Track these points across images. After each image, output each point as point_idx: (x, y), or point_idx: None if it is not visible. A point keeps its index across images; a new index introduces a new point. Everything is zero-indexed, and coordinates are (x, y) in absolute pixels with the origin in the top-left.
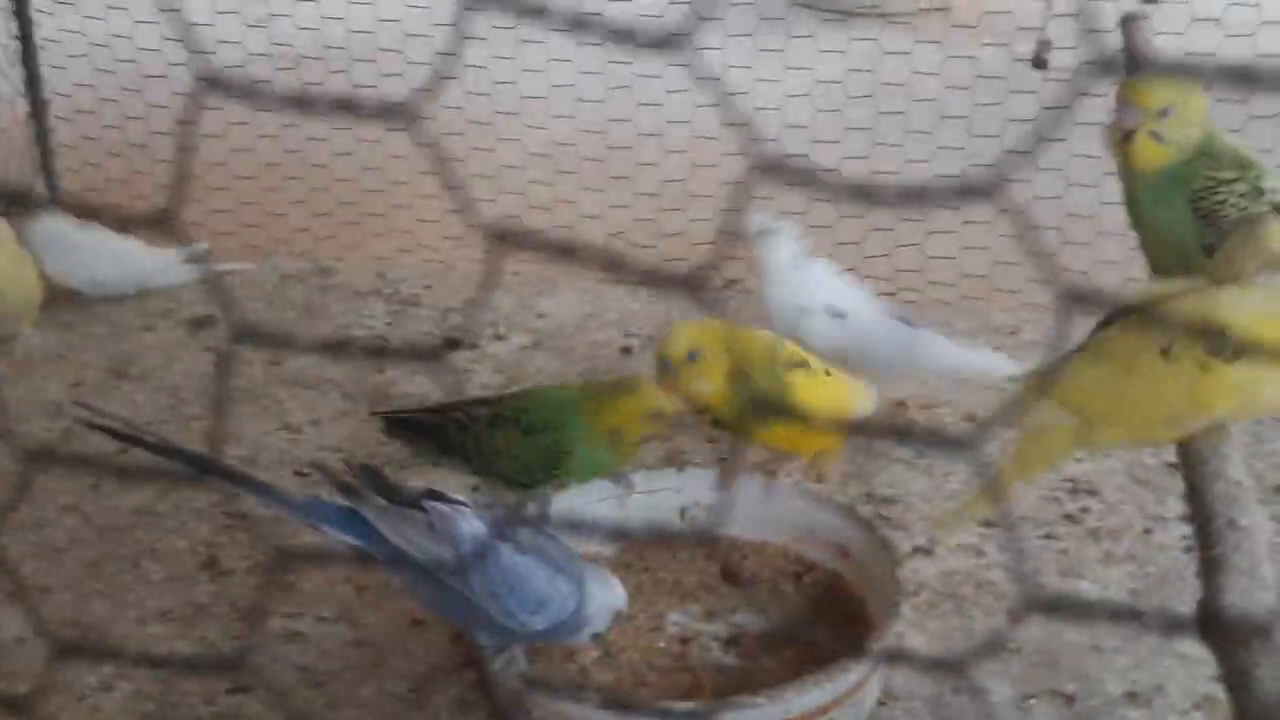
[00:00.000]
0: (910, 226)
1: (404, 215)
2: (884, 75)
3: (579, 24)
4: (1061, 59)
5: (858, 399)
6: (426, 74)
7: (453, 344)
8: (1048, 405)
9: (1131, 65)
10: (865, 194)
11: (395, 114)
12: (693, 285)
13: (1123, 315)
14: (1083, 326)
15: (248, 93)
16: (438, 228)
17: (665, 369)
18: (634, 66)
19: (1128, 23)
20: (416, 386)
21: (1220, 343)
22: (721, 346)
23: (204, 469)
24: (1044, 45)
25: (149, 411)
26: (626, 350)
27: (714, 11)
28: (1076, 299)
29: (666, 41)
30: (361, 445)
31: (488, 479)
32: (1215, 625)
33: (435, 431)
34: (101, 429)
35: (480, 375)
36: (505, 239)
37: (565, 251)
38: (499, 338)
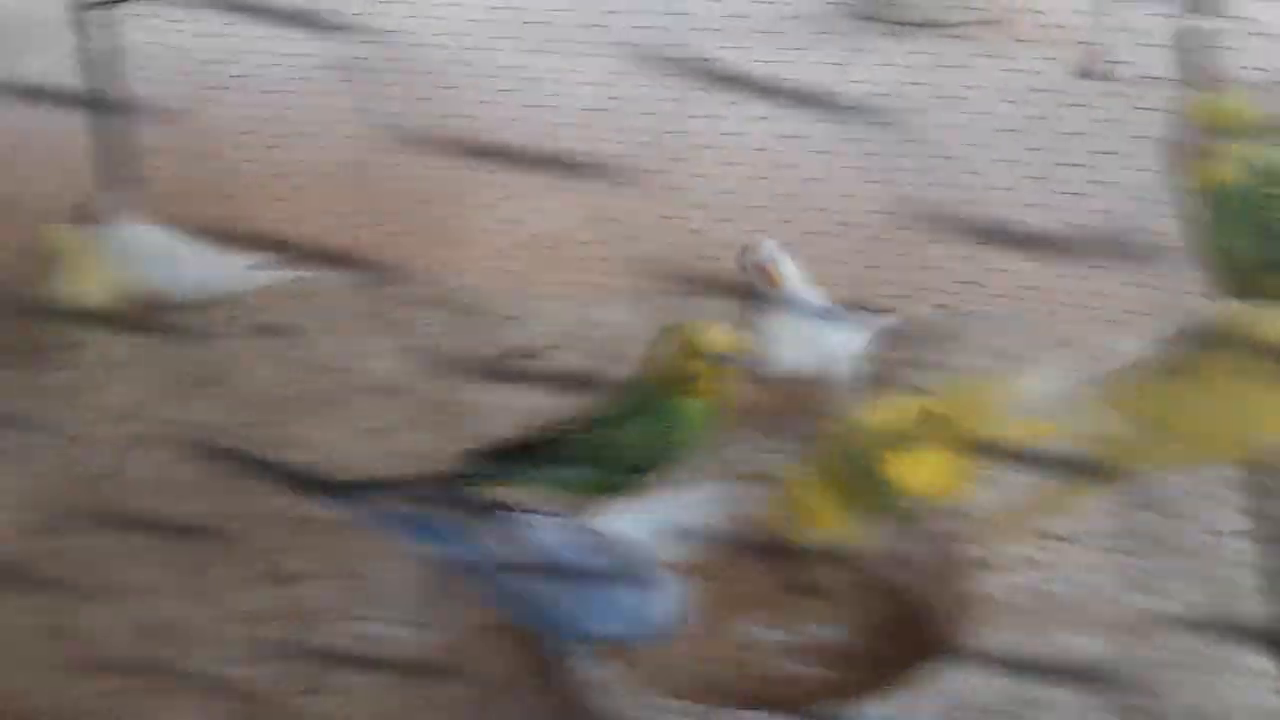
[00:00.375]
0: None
1: (462, 224)
2: (940, 87)
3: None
4: (1116, 71)
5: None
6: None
7: (515, 355)
8: (1117, 417)
9: (1191, 81)
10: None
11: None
12: None
13: (1197, 335)
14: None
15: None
16: (496, 238)
17: None
18: None
19: (1183, 36)
20: (487, 396)
21: None
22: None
23: (284, 478)
24: (1094, 56)
25: (221, 418)
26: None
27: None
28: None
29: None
30: (434, 452)
31: (608, 481)
32: None
33: (545, 450)
34: (219, 454)
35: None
36: None
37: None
38: (557, 349)
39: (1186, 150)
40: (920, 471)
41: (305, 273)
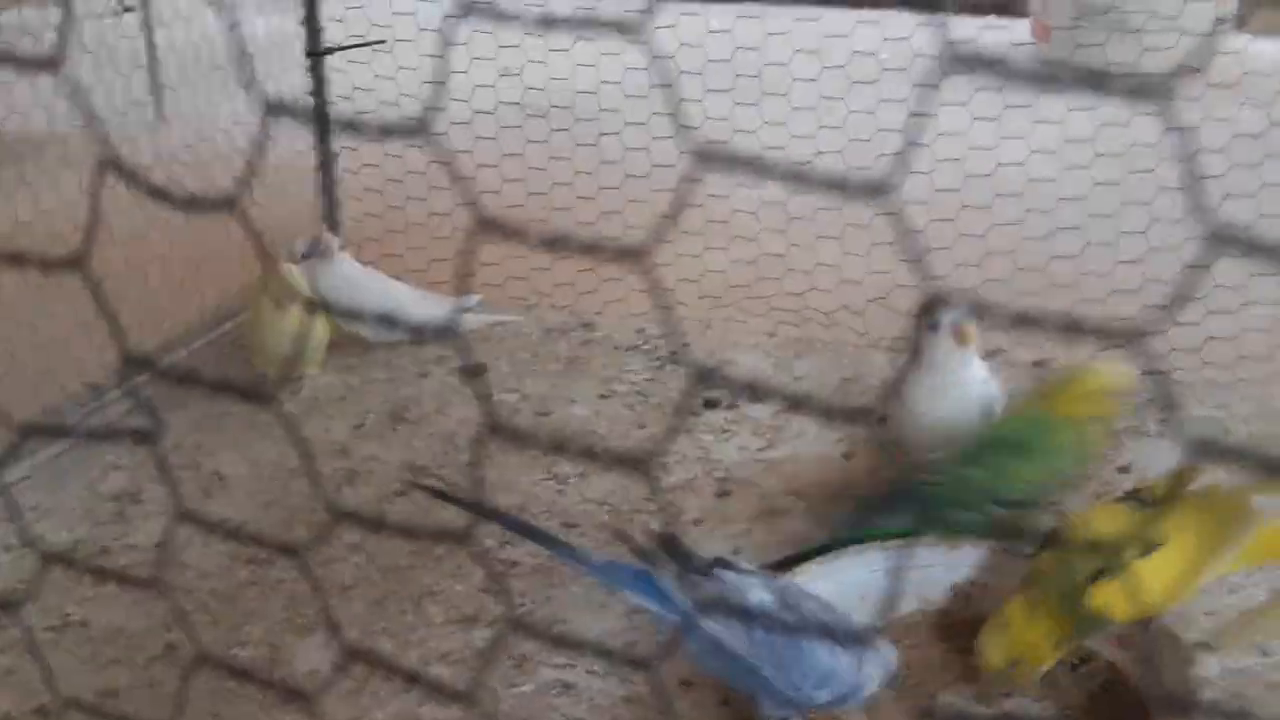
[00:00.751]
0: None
1: (664, 273)
2: (1134, 135)
3: None
4: None
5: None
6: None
7: (710, 404)
8: None
9: None
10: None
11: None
12: None
13: None
14: None
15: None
16: (696, 286)
17: None
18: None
19: None
20: (675, 444)
21: None
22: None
23: (521, 531)
24: None
25: (425, 456)
26: (883, 420)
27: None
28: None
29: None
30: (625, 499)
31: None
32: None
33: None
34: (430, 491)
35: (739, 437)
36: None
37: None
38: (756, 400)
39: None
40: (1147, 584)
41: (506, 317)
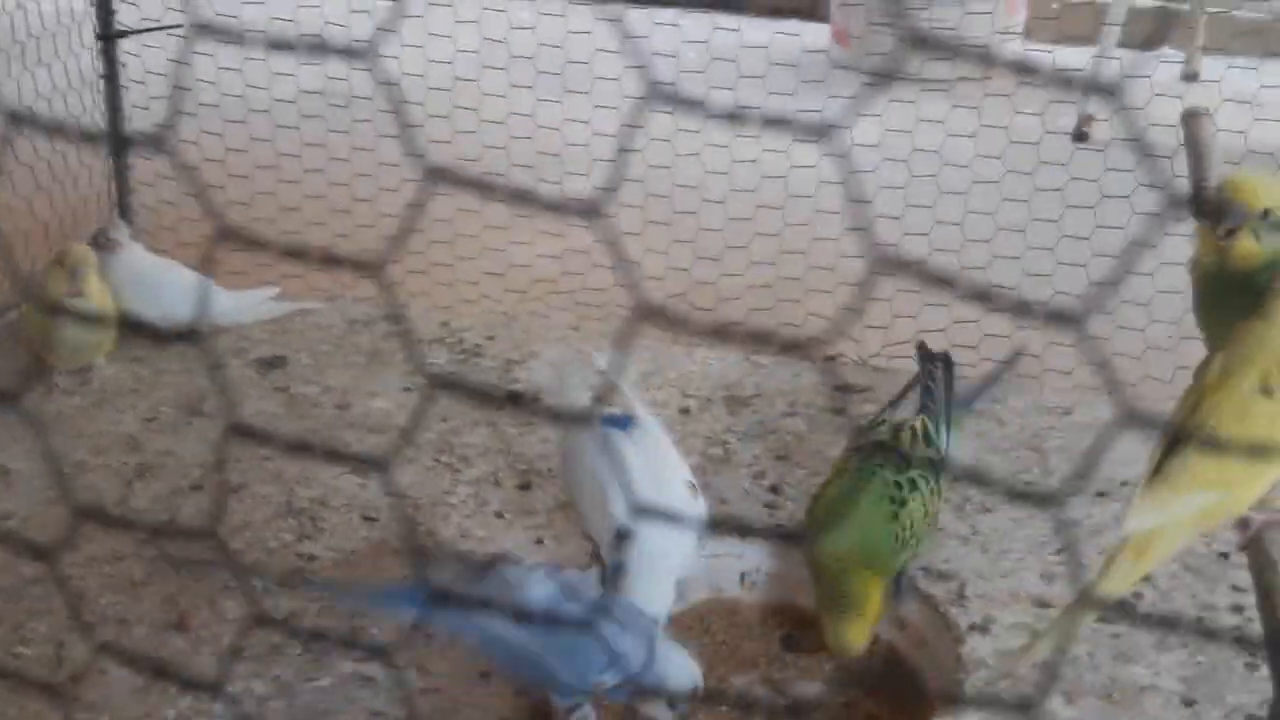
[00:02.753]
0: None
1: (469, 266)
2: (920, 141)
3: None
4: (1102, 131)
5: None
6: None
7: (515, 397)
8: (1178, 495)
9: (1194, 160)
10: (982, 296)
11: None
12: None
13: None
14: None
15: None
16: (502, 280)
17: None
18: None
19: (1190, 118)
20: (478, 437)
21: None
22: None
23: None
24: (1086, 119)
25: (220, 450)
26: (685, 411)
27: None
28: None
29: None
30: (426, 492)
31: None
32: None
33: None
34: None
35: (541, 430)
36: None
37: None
38: (557, 393)
39: (1228, 230)
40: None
41: (307, 306)
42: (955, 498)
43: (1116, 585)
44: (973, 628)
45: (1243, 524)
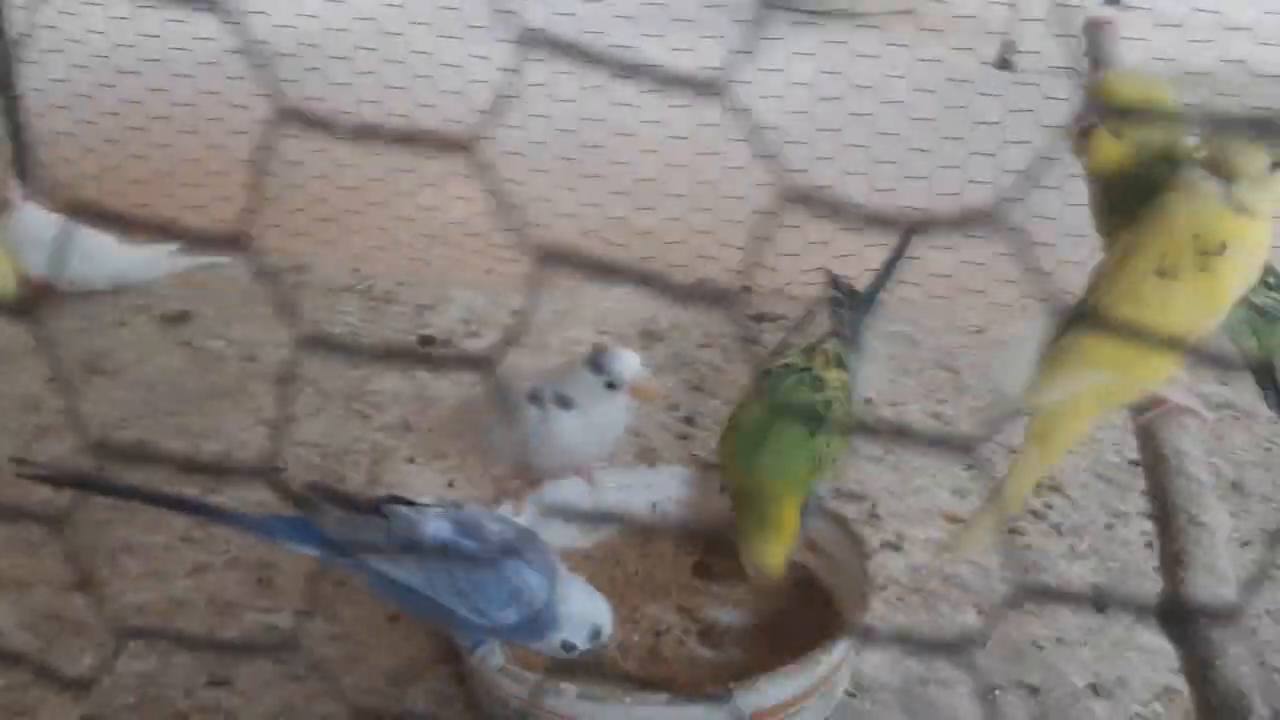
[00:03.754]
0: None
1: (379, 212)
2: (853, 78)
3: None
4: (1026, 61)
5: None
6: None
7: (427, 341)
8: (1072, 373)
9: (1093, 67)
10: (878, 220)
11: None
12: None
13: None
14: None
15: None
16: (412, 225)
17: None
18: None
19: (1091, 27)
20: (389, 382)
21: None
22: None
23: (158, 503)
24: (1008, 47)
25: (124, 408)
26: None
27: (684, 13)
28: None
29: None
30: (336, 440)
31: None
32: (1177, 618)
33: None
34: (47, 479)
35: (456, 373)
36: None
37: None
38: (472, 335)
39: (1083, 128)
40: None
41: (211, 261)
42: (869, 418)
43: (1025, 475)
44: (885, 545)
45: (1139, 411)
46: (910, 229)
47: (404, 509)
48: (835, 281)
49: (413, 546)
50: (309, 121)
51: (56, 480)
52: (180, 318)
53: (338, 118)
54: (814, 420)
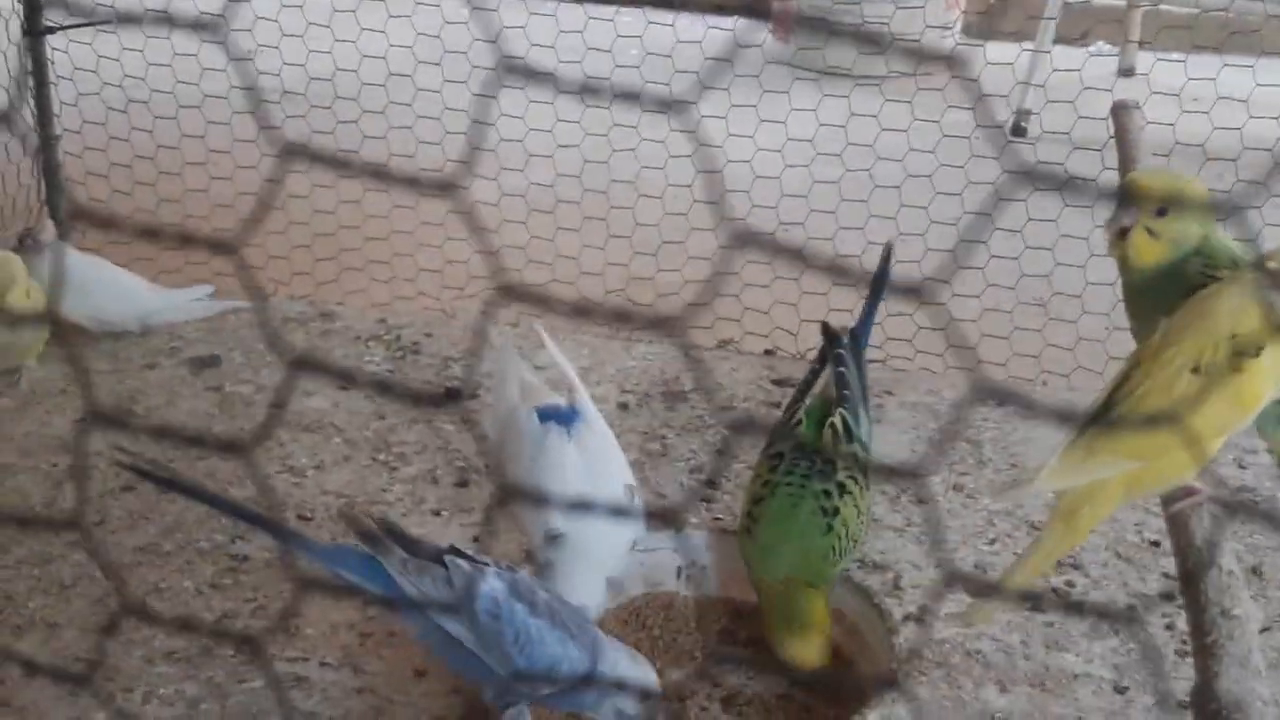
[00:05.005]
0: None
1: (406, 263)
2: (854, 135)
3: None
4: (1036, 126)
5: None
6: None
7: (453, 394)
8: (1100, 460)
9: (1123, 152)
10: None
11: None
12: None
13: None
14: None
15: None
16: (439, 276)
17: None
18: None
19: (1118, 111)
20: (415, 434)
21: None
22: None
23: (242, 516)
24: (1023, 114)
25: (153, 450)
26: (623, 406)
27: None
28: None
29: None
30: (363, 490)
31: None
32: (1210, 711)
33: None
34: (142, 473)
35: (479, 427)
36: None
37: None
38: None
39: (1121, 229)
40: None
41: (240, 305)
42: (890, 489)
43: (1046, 553)
44: (908, 618)
45: (1167, 502)
46: (888, 254)
47: (464, 562)
48: (830, 334)
49: (469, 600)
50: (310, 157)
51: (146, 473)
52: (209, 361)
53: (335, 155)
54: (830, 510)
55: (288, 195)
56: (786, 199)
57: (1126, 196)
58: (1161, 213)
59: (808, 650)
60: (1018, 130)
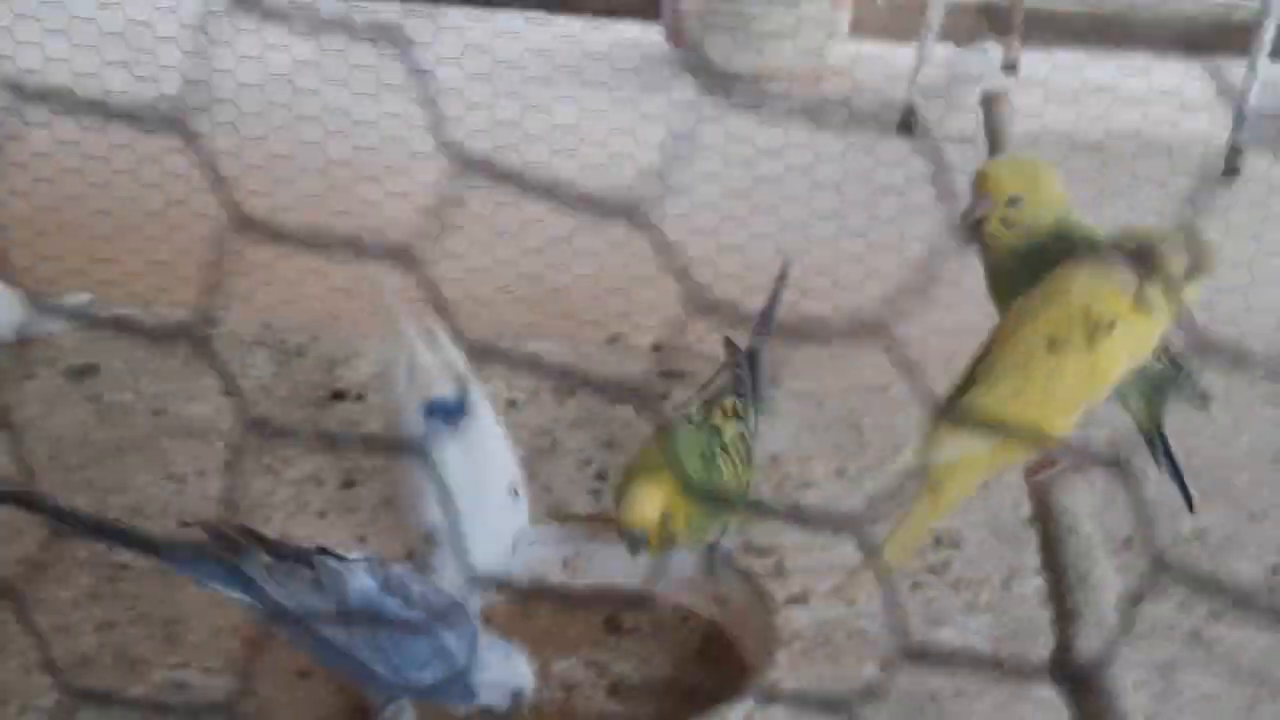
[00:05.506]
0: None
1: (289, 266)
2: (750, 141)
3: None
4: (928, 128)
5: None
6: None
7: (339, 395)
8: (961, 435)
9: (992, 142)
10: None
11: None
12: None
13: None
14: None
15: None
16: (324, 279)
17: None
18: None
19: (988, 100)
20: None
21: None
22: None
23: (90, 529)
24: (909, 113)
25: (29, 461)
26: (512, 403)
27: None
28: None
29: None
30: (246, 495)
31: None
32: (1067, 673)
33: None
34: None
35: (366, 427)
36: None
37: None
38: (385, 388)
39: (975, 220)
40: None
41: (120, 311)
42: (775, 475)
43: (915, 527)
44: (791, 599)
45: (1029, 473)
46: (783, 274)
47: (332, 561)
48: (733, 348)
49: (338, 601)
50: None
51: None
52: (88, 370)
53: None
54: (708, 452)
55: (166, 201)
56: (701, 208)
57: (979, 188)
58: (1014, 202)
59: (641, 494)
60: (905, 127)
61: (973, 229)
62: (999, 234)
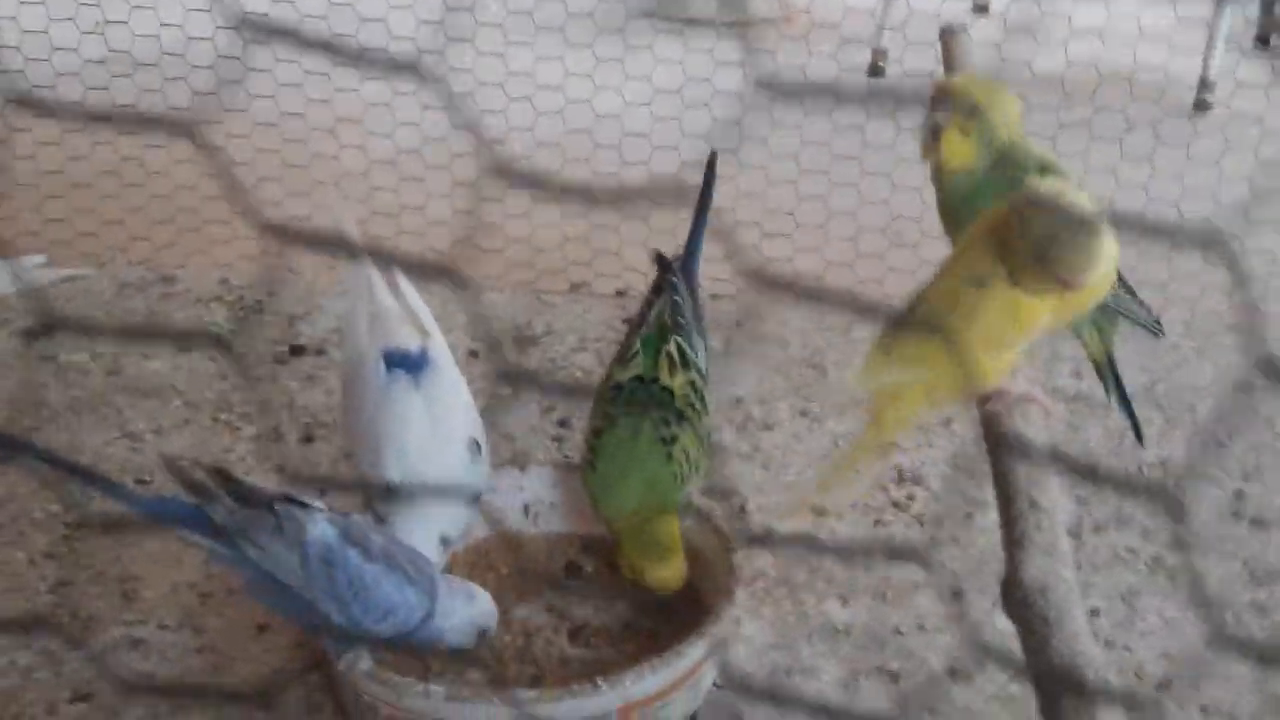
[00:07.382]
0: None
1: (247, 221)
2: (720, 84)
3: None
4: (894, 69)
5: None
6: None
7: (298, 350)
8: (896, 365)
9: (949, 74)
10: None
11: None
12: None
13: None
14: None
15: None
16: (282, 234)
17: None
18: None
19: (945, 35)
20: (258, 393)
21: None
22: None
23: (54, 464)
24: (879, 55)
25: None
26: (474, 354)
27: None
28: None
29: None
30: (205, 453)
31: None
32: (1016, 599)
33: None
34: None
35: (325, 383)
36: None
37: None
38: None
39: (933, 129)
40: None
41: (75, 273)
42: (738, 416)
43: (856, 452)
44: (753, 540)
45: (980, 403)
46: (711, 164)
47: (295, 508)
48: (663, 262)
49: (299, 547)
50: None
51: None
52: (43, 331)
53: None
54: (668, 439)
55: (120, 157)
56: (658, 151)
57: (939, 98)
58: (972, 112)
59: (671, 573)
60: (875, 71)
61: (931, 138)
62: (954, 145)
